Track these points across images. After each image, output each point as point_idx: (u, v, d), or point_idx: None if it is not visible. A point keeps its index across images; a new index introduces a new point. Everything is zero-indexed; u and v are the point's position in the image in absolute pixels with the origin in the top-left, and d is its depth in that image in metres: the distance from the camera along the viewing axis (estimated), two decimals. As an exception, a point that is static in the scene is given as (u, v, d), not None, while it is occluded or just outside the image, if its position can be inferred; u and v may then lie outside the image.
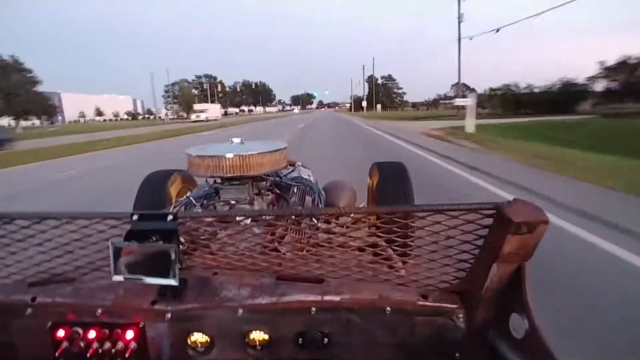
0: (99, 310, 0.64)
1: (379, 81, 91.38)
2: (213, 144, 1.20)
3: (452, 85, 77.73)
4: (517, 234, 0.50)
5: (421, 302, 0.63)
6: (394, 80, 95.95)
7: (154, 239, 0.58)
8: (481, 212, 0.54)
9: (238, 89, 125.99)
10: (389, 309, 0.62)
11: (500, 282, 0.56)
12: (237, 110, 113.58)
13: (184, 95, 71.52)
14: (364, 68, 57.45)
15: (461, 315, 0.62)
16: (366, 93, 79.04)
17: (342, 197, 1.60)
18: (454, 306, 0.63)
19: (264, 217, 0.72)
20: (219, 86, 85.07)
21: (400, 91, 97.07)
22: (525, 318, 0.52)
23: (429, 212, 0.56)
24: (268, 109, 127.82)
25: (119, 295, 0.65)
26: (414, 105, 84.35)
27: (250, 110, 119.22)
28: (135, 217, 0.59)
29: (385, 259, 0.71)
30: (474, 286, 0.59)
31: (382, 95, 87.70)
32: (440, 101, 73.77)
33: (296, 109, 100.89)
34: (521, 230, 0.49)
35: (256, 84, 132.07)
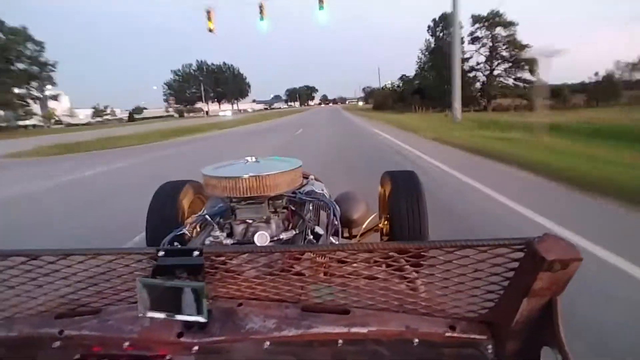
0: (126, 343, 0.64)
1: (473, 28, 33.36)
2: (228, 163, 1.21)
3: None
4: (549, 271, 0.49)
5: (449, 334, 0.62)
6: (512, 25, 32.05)
7: (180, 274, 0.59)
8: (511, 247, 0.53)
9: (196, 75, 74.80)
10: (416, 340, 0.62)
11: (530, 315, 0.55)
12: (169, 110, 65.71)
13: None
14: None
15: (490, 346, 0.61)
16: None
17: (355, 210, 1.64)
18: (483, 337, 0.62)
19: (289, 251, 0.74)
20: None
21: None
22: (558, 352, 0.51)
23: (458, 247, 0.55)
24: (243, 107, 78.94)
25: (144, 328, 0.65)
26: (558, 93, 26.05)
27: (199, 110, 68.78)
28: (161, 253, 0.60)
29: (412, 289, 0.71)
30: (504, 318, 0.58)
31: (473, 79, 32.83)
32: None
33: (248, 108, 54.15)
34: (554, 268, 0.48)
35: (220, 67, 77.85)
